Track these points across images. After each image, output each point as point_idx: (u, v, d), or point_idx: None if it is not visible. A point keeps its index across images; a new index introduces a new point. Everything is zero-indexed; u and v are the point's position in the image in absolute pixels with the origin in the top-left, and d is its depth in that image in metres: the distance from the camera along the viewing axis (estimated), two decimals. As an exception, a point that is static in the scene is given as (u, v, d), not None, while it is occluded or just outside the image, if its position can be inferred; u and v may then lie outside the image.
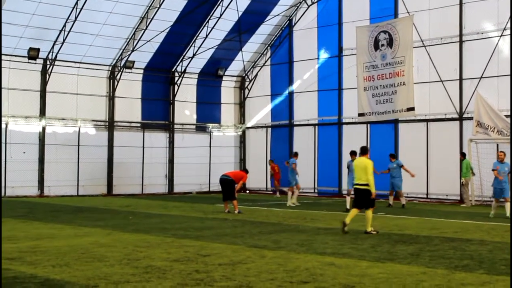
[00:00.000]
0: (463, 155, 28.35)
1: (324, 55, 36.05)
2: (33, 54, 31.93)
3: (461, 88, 30.29)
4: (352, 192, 23.99)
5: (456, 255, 12.66)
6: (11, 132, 32.13)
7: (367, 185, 16.82)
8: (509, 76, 27.92)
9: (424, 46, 31.23)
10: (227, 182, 23.63)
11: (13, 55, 31.88)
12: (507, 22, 28.58)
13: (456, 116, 30.45)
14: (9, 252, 12.68)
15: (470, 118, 29.40)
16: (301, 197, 32.51)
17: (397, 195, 27.73)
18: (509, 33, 28.63)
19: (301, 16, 37.06)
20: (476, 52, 29.80)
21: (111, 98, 35.40)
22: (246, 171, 25.90)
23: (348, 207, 23.65)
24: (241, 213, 22.58)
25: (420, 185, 30.99)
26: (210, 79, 39.03)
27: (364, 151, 17.47)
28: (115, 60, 35.16)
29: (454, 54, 30.51)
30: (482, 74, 29.33)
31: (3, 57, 31.50)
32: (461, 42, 30.36)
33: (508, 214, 21.56)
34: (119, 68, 35.34)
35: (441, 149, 30.46)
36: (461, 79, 30.30)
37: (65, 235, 15.97)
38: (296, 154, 29.50)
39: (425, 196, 31.07)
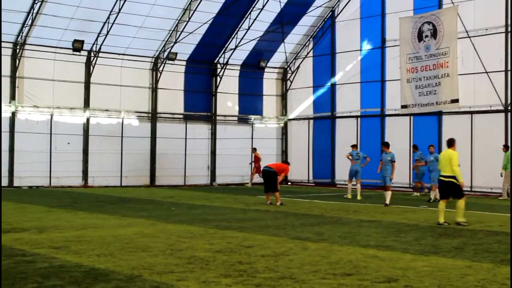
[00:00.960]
0: (506, 147, 27.91)
1: (367, 46, 35.81)
2: (77, 46, 32.29)
3: (507, 80, 29.82)
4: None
5: (501, 249, 12.50)
6: (56, 123, 32.57)
7: (452, 177, 16.92)
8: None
9: (469, 37, 30.78)
10: (269, 173, 23.64)
11: (58, 47, 32.30)
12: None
13: (501, 108, 30.00)
14: (56, 241, 12.89)
15: (516, 110, 28.97)
16: (343, 189, 32.41)
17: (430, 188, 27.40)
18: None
19: (344, 7, 36.82)
20: (523, 42, 29.33)
21: (154, 89, 35.64)
22: (288, 163, 25.87)
23: (387, 202, 23.19)
24: (283, 205, 22.58)
25: (464, 178, 30.52)
26: (252, 70, 39.04)
27: (450, 143, 17.49)
28: (158, 52, 35.38)
29: (500, 45, 30.04)
30: (528, 65, 28.88)
31: (48, 49, 32.01)
32: (507, 32, 29.88)
33: None
34: (162, 59, 35.55)
35: (486, 142, 30.02)
36: (506, 70, 29.83)
37: (109, 225, 16.16)
38: (355, 146, 29.17)
39: (469, 189, 30.67)
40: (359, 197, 26.83)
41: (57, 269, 9.94)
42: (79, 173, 33.30)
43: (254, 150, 36.83)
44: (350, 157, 27.96)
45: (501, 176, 27.95)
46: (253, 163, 36.81)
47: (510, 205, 21.38)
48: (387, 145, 24.54)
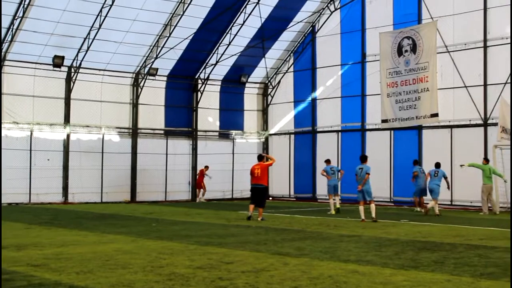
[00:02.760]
0: (486, 160, 27.92)
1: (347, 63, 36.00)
2: (57, 61, 32.20)
3: (486, 94, 30.09)
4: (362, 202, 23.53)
5: (481, 262, 12.54)
6: (36, 140, 32.40)
7: None
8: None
9: (448, 51, 31.07)
10: (259, 190, 23.38)
11: (38, 63, 32.18)
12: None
13: (480, 122, 30.24)
14: (34, 259, 12.77)
15: (495, 124, 29.14)
16: (324, 204, 32.45)
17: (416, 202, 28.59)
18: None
19: (324, 23, 37.03)
20: (501, 57, 29.58)
21: (135, 105, 35.57)
22: (262, 157, 24.63)
23: (363, 217, 22.85)
24: (264, 220, 22.52)
25: (444, 192, 30.77)
26: (233, 86, 39.10)
27: None
28: (138, 68, 35.36)
29: (479, 59, 30.33)
30: (507, 80, 29.12)
31: (28, 65, 31.88)
32: (485, 47, 30.17)
33: None
34: (142, 75, 35.52)
35: (466, 156, 30.14)
36: (485, 85, 30.10)
37: (89, 242, 16.05)
38: (329, 161, 29.02)
39: (449, 203, 30.85)
40: (338, 206, 27.55)
41: (36, 287, 9.85)
42: (59, 189, 33.10)
43: (206, 167, 36.71)
44: (325, 173, 27.96)
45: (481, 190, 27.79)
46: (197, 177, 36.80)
47: (510, 218, 21.42)
48: (365, 159, 24.02)
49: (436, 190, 26.47)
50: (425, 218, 24.31)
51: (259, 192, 23.38)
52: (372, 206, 22.84)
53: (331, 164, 28.84)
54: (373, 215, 22.59)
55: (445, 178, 27.03)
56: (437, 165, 27.07)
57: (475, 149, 29.90)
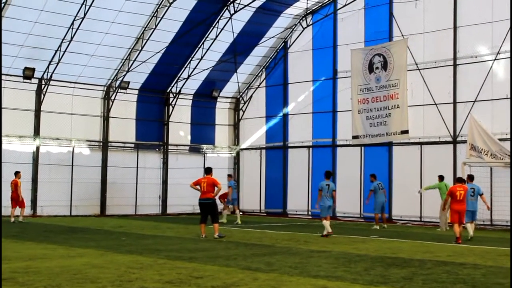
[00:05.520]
0: (440, 178, 28.01)
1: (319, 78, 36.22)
2: (28, 73, 31.95)
3: (455, 112, 30.40)
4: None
5: (449, 279, 12.63)
6: (5, 152, 31.99)
7: None
8: (506, 100, 28.22)
9: (419, 69, 31.37)
10: (207, 205, 21.90)
11: (8, 75, 31.86)
12: (501, 46, 28.77)
13: (450, 139, 30.52)
14: (2, 272, 12.60)
15: (464, 142, 29.47)
16: (295, 219, 32.47)
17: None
18: (504, 56, 28.84)
19: (296, 39, 37.23)
20: (470, 75, 29.96)
21: (106, 118, 35.39)
22: (210, 170, 23.43)
23: (328, 231, 22.77)
24: (222, 237, 21.38)
25: (414, 208, 31.01)
26: (204, 100, 39.06)
27: None
28: (110, 81, 35.20)
29: (448, 77, 30.66)
30: (476, 98, 29.47)
31: (-2, 76, 31.64)
32: (455, 65, 30.52)
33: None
34: (114, 88, 35.36)
35: (435, 172, 30.31)
36: (455, 103, 30.42)
37: (57, 255, 15.90)
38: (231, 176, 32.48)
39: (418, 219, 31.04)
40: (239, 222, 29.88)
41: (2, 301, 9.74)
42: (27, 202, 32.60)
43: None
44: (231, 188, 30.72)
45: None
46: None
47: (510, 236, 21.50)
48: (328, 175, 24.03)
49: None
50: (394, 234, 24.43)
51: (208, 208, 21.83)
52: (328, 222, 23.19)
53: (233, 179, 32.30)
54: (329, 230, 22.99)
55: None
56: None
57: (445, 166, 30.14)
